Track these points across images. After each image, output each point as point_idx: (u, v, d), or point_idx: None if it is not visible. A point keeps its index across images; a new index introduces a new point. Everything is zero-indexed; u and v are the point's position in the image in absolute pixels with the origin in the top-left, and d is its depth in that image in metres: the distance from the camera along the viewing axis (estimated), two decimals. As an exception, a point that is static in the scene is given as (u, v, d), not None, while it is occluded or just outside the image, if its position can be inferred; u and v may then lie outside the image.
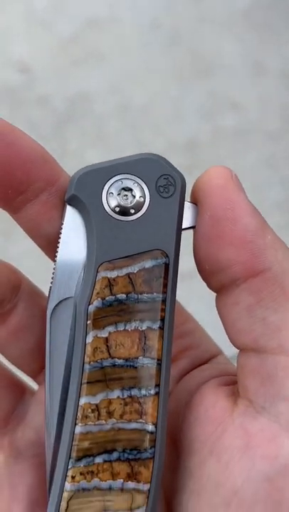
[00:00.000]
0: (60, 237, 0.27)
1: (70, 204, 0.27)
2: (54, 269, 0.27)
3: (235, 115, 1.08)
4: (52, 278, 0.27)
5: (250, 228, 0.25)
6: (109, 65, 1.12)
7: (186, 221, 0.27)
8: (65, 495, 0.25)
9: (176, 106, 1.09)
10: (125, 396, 0.26)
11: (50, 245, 0.28)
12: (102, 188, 0.27)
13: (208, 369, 0.31)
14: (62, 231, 0.27)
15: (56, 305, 0.27)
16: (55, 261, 0.27)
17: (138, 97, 1.10)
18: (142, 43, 1.17)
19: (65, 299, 0.27)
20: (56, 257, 0.27)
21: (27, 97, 1.06)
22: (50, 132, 1.03)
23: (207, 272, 0.26)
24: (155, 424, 0.26)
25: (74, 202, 0.27)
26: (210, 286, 0.27)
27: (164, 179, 0.27)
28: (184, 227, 0.27)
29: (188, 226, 0.27)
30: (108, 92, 1.09)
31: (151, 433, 0.26)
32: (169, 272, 0.26)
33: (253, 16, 1.13)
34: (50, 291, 0.27)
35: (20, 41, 1.23)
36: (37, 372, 0.32)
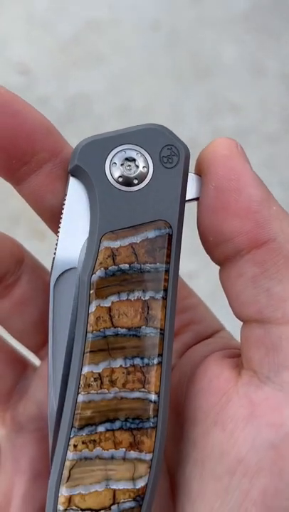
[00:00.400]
0: (63, 209, 0.27)
1: (73, 175, 0.27)
2: (57, 239, 0.27)
3: (234, 116, 1.08)
4: (55, 249, 0.27)
5: (255, 199, 0.25)
6: (109, 66, 1.13)
7: (190, 193, 0.27)
8: (67, 464, 0.25)
9: (176, 107, 1.10)
10: (128, 365, 0.26)
11: (53, 217, 0.28)
12: (106, 159, 0.27)
13: (211, 343, 0.31)
14: (66, 202, 0.27)
15: (59, 275, 0.27)
16: (58, 233, 0.27)
17: (138, 98, 1.10)
18: (141, 44, 1.17)
19: (68, 269, 0.27)
20: (59, 229, 0.27)
21: (27, 98, 1.05)
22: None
23: (211, 244, 0.26)
24: (158, 394, 0.26)
25: (77, 173, 0.27)
26: (214, 258, 0.27)
27: (168, 149, 0.27)
28: (187, 198, 0.27)
29: (192, 198, 0.27)
30: (108, 93, 1.09)
31: (154, 402, 0.26)
32: (172, 243, 0.26)
33: (253, 18, 1.14)
34: (53, 262, 0.27)
35: (20, 42, 1.23)
36: (39, 346, 0.32)
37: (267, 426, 0.24)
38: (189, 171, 0.27)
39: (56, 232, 0.28)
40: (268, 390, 0.25)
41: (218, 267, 0.27)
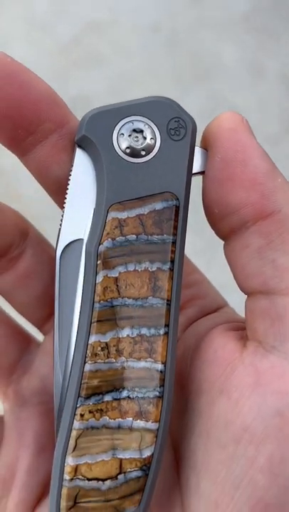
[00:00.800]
0: (69, 180, 0.27)
1: (79, 146, 0.27)
2: (63, 211, 0.27)
3: (234, 117, 1.08)
4: (61, 220, 0.27)
5: (261, 170, 0.25)
6: (109, 67, 1.13)
7: (196, 166, 0.27)
8: (74, 433, 0.25)
9: (176, 108, 1.10)
10: (135, 335, 0.26)
11: (59, 189, 0.28)
12: (113, 129, 0.27)
13: (216, 317, 0.31)
14: (72, 173, 0.27)
15: (65, 246, 0.27)
16: (63, 207, 0.27)
17: (138, 99, 1.10)
18: (141, 45, 1.18)
19: (75, 240, 0.27)
20: (65, 202, 0.27)
21: None
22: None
23: (216, 216, 0.26)
24: (164, 364, 0.26)
25: (84, 143, 0.27)
26: (219, 232, 0.27)
27: (175, 122, 0.27)
28: (194, 171, 0.27)
29: (198, 171, 0.27)
30: (108, 94, 1.10)
31: (161, 372, 0.26)
32: (179, 215, 0.26)
33: (253, 19, 1.14)
34: (59, 233, 0.27)
35: (20, 44, 1.22)
36: (43, 321, 0.32)
37: (273, 393, 0.24)
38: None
39: (62, 204, 0.28)
40: (273, 358, 0.25)
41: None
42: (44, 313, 0.32)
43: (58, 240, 0.27)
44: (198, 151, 0.27)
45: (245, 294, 0.27)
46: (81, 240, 0.27)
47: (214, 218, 0.27)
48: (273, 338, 0.25)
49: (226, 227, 0.26)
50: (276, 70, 1.10)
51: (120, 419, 0.25)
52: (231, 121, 0.26)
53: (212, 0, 1.17)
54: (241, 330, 0.28)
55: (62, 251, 0.27)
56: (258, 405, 0.24)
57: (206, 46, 1.14)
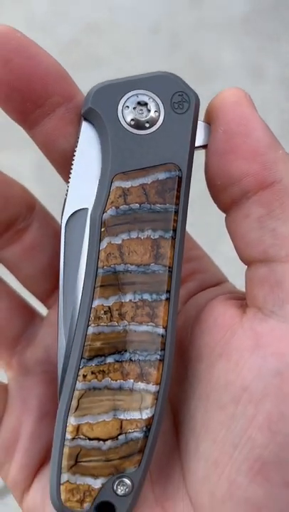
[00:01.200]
0: (75, 151, 0.28)
1: (86, 119, 0.28)
2: (69, 181, 0.28)
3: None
4: (67, 190, 0.28)
5: (262, 142, 0.26)
6: (108, 68, 1.14)
7: (200, 140, 0.28)
8: (76, 394, 0.26)
9: (175, 108, 1.10)
10: (137, 300, 0.26)
11: (65, 162, 0.28)
12: (118, 102, 0.27)
13: (216, 290, 0.31)
14: (78, 145, 0.28)
15: (71, 215, 0.28)
16: (68, 182, 0.28)
17: (137, 101, 1.11)
18: (141, 46, 1.18)
19: (80, 210, 0.28)
20: (70, 174, 0.28)
21: None
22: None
23: (219, 188, 0.27)
24: (165, 328, 0.26)
25: (90, 116, 0.28)
26: (221, 203, 0.28)
27: (179, 96, 0.27)
28: (196, 145, 0.28)
29: (201, 144, 0.28)
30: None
31: (162, 336, 0.26)
32: (181, 185, 0.27)
33: (252, 22, 1.15)
34: (64, 202, 0.28)
35: None
36: (48, 294, 0.33)
37: (272, 354, 0.25)
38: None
39: (67, 177, 0.28)
40: (272, 322, 0.25)
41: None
42: (48, 286, 0.32)
43: (63, 209, 0.28)
44: (201, 126, 0.28)
45: (246, 264, 0.27)
46: (86, 209, 0.28)
47: (216, 190, 0.27)
48: (272, 303, 0.26)
49: (228, 198, 0.27)
50: (276, 72, 1.11)
51: (122, 380, 0.26)
52: (234, 96, 0.27)
53: (212, 1, 1.18)
54: (241, 300, 0.28)
55: (68, 220, 0.28)
56: (257, 366, 0.25)
57: (206, 47, 1.15)
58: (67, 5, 1.25)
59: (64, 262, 0.28)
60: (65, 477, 0.26)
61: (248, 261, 0.27)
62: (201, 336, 0.28)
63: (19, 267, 0.32)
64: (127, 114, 0.27)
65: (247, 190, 0.26)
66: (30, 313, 0.33)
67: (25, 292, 0.33)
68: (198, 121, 0.28)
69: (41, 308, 0.34)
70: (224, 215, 0.28)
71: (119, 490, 0.26)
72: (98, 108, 0.27)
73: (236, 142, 0.26)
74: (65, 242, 0.28)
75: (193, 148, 0.28)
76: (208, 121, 0.28)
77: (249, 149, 0.26)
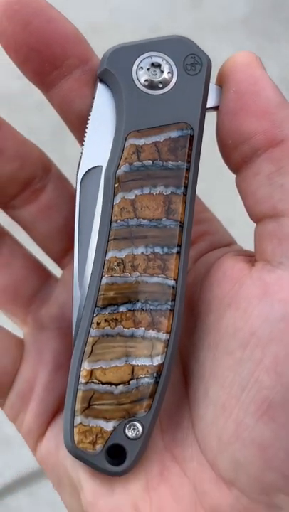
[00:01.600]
0: (90, 112, 0.29)
1: (101, 80, 0.29)
2: (84, 140, 0.29)
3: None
4: (82, 148, 0.29)
5: (272, 101, 0.27)
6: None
7: (211, 101, 0.29)
8: (90, 340, 0.27)
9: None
10: (149, 252, 0.27)
11: (80, 123, 0.29)
12: (133, 64, 0.28)
13: (225, 249, 0.32)
14: (93, 106, 0.29)
15: (86, 173, 0.29)
16: (82, 143, 0.29)
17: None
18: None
19: (94, 167, 0.29)
20: (85, 133, 0.29)
21: (26, 102, 1.06)
22: (49, 138, 1.03)
23: (230, 147, 0.28)
24: (176, 280, 0.27)
25: (105, 77, 0.29)
26: (231, 163, 0.29)
27: (191, 58, 0.29)
28: (208, 106, 0.29)
29: (213, 106, 0.29)
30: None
31: (172, 287, 0.27)
32: (193, 144, 0.28)
33: (252, 23, 1.16)
34: (80, 160, 0.29)
35: None
36: (63, 253, 0.34)
37: (279, 301, 0.26)
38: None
39: (82, 138, 0.29)
40: (280, 272, 0.26)
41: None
42: (63, 246, 0.33)
43: (78, 167, 0.29)
44: (213, 88, 0.29)
45: (255, 221, 0.28)
46: (100, 166, 0.29)
47: (228, 149, 0.28)
48: (280, 254, 0.27)
49: (239, 157, 0.28)
50: (275, 73, 1.12)
51: (134, 328, 0.27)
52: (245, 58, 0.28)
53: (211, 2, 1.18)
54: (250, 257, 0.29)
55: (83, 177, 0.29)
56: (265, 312, 0.26)
57: (206, 48, 1.14)
58: (68, 6, 1.25)
59: (79, 218, 0.29)
60: (78, 420, 0.27)
61: (257, 217, 0.28)
62: (211, 289, 0.29)
63: (35, 226, 0.33)
64: (141, 74, 0.28)
65: (257, 147, 0.27)
66: (45, 274, 0.34)
67: (40, 256, 0.34)
68: (210, 84, 0.29)
69: (55, 271, 0.35)
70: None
71: (130, 433, 0.27)
72: (113, 69, 0.28)
73: (247, 101, 0.27)
74: (80, 198, 0.29)
75: (204, 108, 0.29)
76: (220, 84, 0.29)
77: (259, 108, 0.27)
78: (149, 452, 0.28)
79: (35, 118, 1.05)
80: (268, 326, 0.25)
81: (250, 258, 0.29)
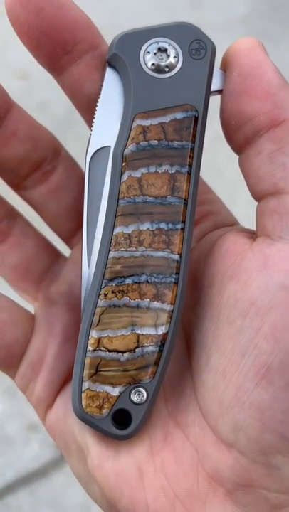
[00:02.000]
0: (99, 95, 0.30)
1: (110, 65, 0.30)
2: (93, 122, 0.30)
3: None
4: (91, 129, 0.30)
5: (274, 83, 0.28)
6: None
7: (216, 85, 0.30)
8: (98, 310, 0.28)
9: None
10: (154, 228, 0.29)
11: (90, 107, 0.31)
12: (140, 48, 0.30)
13: (228, 228, 0.33)
14: (102, 89, 0.30)
15: (94, 153, 0.30)
16: (91, 127, 0.30)
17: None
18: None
19: (103, 147, 0.30)
20: (95, 111, 0.30)
21: (27, 103, 1.06)
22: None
23: (233, 128, 0.29)
24: (180, 255, 0.29)
25: (114, 61, 0.30)
26: (235, 144, 0.30)
27: (196, 43, 0.30)
28: (213, 89, 0.30)
29: (217, 89, 0.30)
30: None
31: (176, 262, 0.29)
32: (197, 125, 0.29)
33: (251, 24, 1.17)
34: (89, 141, 0.30)
35: (20, 48, 1.24)
36: (72, 233, 0.35)
37: (278, 272, 0.27)
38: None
39: (91, 121, 0.31)
40: (279, 245, 0.28)
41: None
42: (72, 226, 0.35)
43: (87, 147, 0.30)
44: (217, 72, 0.30)
45: (257, 199, 0.30)
46: (108, 146, 0.30)
47: (231, 130, 0.29)
48: (280, 229, 0.28)
49: (242, 137, 0.29)
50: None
51: (139, 299, 0.28)
52: (248, 43, 0.29)
53: (211, 4, 1.19)
54: (252, 234, 0.31)
55: (92, 157, 0.30)
56: (265, 282, 0.27)
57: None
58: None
59: (88, 196, 0.30)
60: (86, 385, 0.28)
61: (259, 195, 0.29)
62: (214, 264, 0.30)
63: (45, 206, 0.34)
64: (148, 59, 0.30)
65: (259, 128, 0.28)
66: (55, 253, 0.36)
67: (49, 236, 0.36)
68: (215, 68, 0.30)
69: (64, 250, 0.37)
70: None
71: (135, 398, 0.28)
72: (121, 53, 0.30)
73: (250, 84, 0.28)
74: (89, 178, 0.30)
75: (209, 91, 0.30)
76: (224, 68, 0.30)
77: (262, 90, 0.28)
78: (153, 419, 0.30)
79: (37, 118, 1.06)
80: (267, 296, 0.27)
81: (252, 235, 0.30)
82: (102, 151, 0.30)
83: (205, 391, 0.29)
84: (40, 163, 0.33)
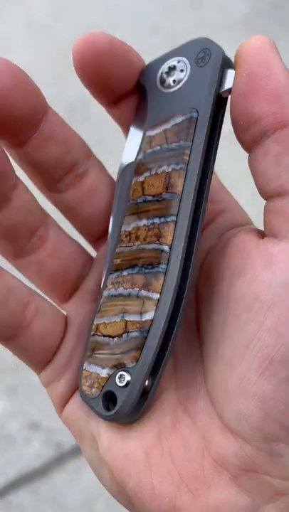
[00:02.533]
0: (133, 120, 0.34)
1: (138, 92, 0.34)
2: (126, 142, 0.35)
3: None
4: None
5: (282, 84, 0.28)
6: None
7: (228, 85, 0.30)
8: (101, 300, 0.32)
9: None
10: (149, 224, 0.31)
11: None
12: (158, 72, 0.33)
13: (241, 228, 0.34)
14: (135, 113, 0.34)
15: (123, 169, 0.34)
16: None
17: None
18: (140, 48, 1.19)
19: (130, 163, 0.34)
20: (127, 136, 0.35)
21: None
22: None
23: (242, 128, 0.29)
24: (170, 246, 0.30)
25: (140, 88, 0.34)
26: (244, 144, 0.30)
27: (203, 52, 0.31)
28: (223, 89, 0.30)
29: (228, 88, 0.30)
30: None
31: (165, 252, 0.30)
32: (197, 124, 0.30)
33: (252, 23, 1.14)
34: (122, 157, 0.34)
35: (20, 47, 1.24)
36: (98, 237, 0.37)
37: (281, 269, 0.28)
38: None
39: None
40: (284, 245, 0.28)
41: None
42: (100, 229, 0.36)
43: (120, 163, 0.34)
44: (230, 72, 0.30)
45: (265, 198, 0.30)
46: (133, 162, 0.33)
47: (240, 130, 0.30)
48: (286, 230, 0.28)
49: (249, 137, 0.29)
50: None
51: (131, 289, 0.30)
52: (259, 41, 0.29)
53: (211, 4, 1.18)
54: (261, 233, 0.31)
55: (121, 172, 0.34)
56: (268, 279, 0.28)
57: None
58: (67, 6, 1.26)
59: (116, 208, 0.34)
60: (84, 365, 0.32)
61: (267, 195, 0.29)
62: (225, 260, 0.31)
63: (78, 209, 0.36)
64: (162, 79, 0.33)
65: (266, 129, 0.28)
66: (88, 257, 0.37)
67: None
68: (228, 69, 0.30)
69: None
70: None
71: (119, 381, 0.30)
72: (143, 81, 0.33)
73: (258, 84, 0.28)
74: (118, 191, 0.34)
75: (215, 91, 0.30)
76: (234, 67, 0.30)
77: (270, 91, 0.28)
78: (163, 406, 0.31)
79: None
80: (270, 292, 0.28)
81: (262, 234, 0.30)
82: (130, 165, 0.34)
83: (213, 380, 0.30)
84: (73, 166, 0.35)
